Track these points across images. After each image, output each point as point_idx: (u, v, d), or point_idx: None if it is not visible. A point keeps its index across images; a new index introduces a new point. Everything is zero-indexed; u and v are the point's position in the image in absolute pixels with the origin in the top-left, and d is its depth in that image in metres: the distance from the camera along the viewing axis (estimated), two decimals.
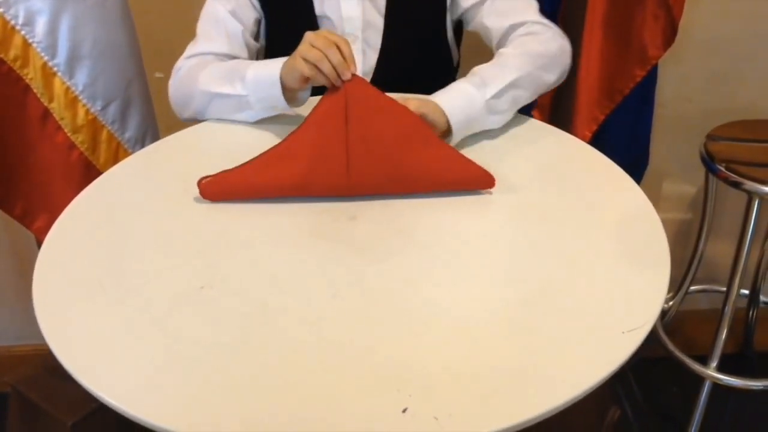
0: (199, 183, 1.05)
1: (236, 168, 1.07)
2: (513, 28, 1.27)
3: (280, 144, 1.08)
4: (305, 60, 1.09)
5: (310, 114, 1.08)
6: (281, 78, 1.15)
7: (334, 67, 1.06)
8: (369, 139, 1.06)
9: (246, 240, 0.99)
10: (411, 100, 1.11)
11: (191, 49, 1.30)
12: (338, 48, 1.07)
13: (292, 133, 1.08)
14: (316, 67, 1.07)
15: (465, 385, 0.77)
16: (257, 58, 1.41)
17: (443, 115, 1.12)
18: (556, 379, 0.77)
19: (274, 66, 1.15)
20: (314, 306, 0.88)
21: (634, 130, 1.60)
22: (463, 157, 1.07)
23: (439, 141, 1.08)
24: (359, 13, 1.31)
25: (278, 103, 1.17)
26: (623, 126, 1.57)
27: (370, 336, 0.83)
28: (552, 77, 1.26)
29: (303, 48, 1.10)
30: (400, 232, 1.01)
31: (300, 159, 1.05)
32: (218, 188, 1.05)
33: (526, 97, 1.22)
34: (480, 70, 1.20)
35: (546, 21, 1.28)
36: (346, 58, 1.06)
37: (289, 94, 1.17)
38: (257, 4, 1.32)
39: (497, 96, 1.17)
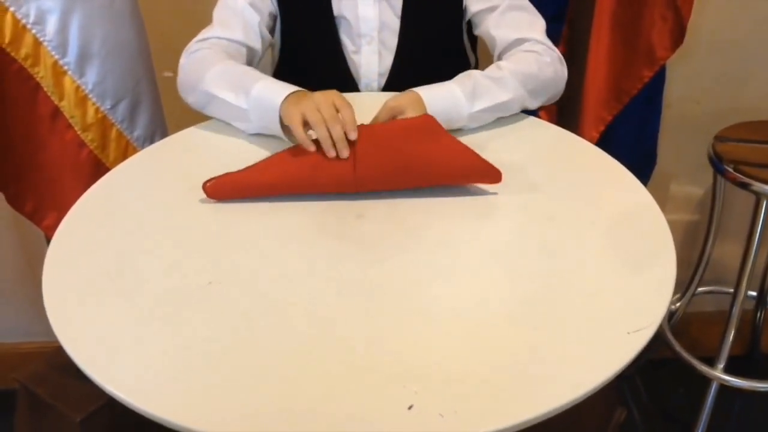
0: (204, 186, 1.05)
1: (241, 170, 1.07)
2: (517, 42, 1.27)
3: (285, 150, 1.09)
4: (303, 117, 1.07)
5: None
6: (281, 109, 1.12)
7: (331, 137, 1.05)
8: (376, 134, 1.06)
9: (253, 237, 1.00)
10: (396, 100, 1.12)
11: (206, 33, 1.29)
12: (341, 112, 1.06)
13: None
14: (308, 125, 1.06)
15: (470, 383, 0.77)
16: (272, 54, 1.42)
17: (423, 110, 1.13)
18: (560, 378, 0.77)
19: (279, 92, 1.12)
20: (320, 303, 0.88)
21: (641, 131, 1.60)
22: (470, 150, 1.06)
23: (446, 134, 1.07)
24: (375, 14, 1.31)
25: (274, 128, 1.14)
26: (631, 127, 1.57)
27: (375, 333, 0.84)
28: (536, 103, 1.26)
29: (308, 105, 1.07)
30: (406, 230, 1.01)
31: (306, 156, 1.06)
32: (224, 188, 1.05)
33: (502, 115, 1.23)
34: (475, 79, 1.20)
35: (549, 43, 1.28)
36: (347, 125, 1.05)
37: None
38: (275, 4, 1.32)
39: (482, 111, 1.19)
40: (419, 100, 1.14)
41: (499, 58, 1.30)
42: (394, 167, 1.05)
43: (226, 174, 1.06)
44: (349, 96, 1.32)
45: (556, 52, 1.28)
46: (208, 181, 1.05)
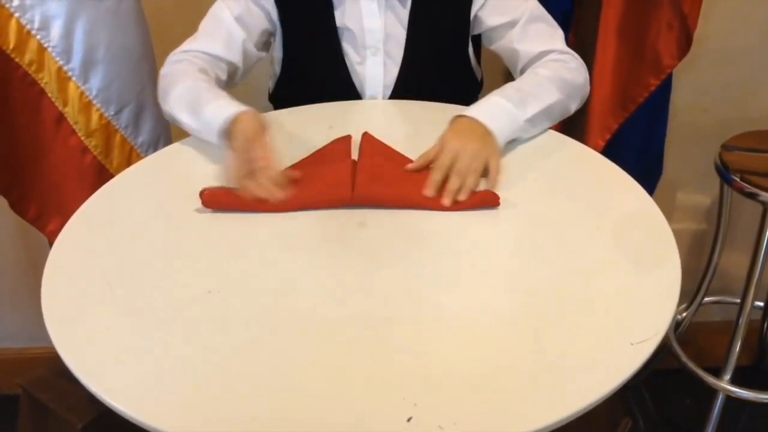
0: (202, 194, 1.04)
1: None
2: (542, 54, 1.28)
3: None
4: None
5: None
6: (231, 128, 1.09)
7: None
8: (375, 163, 1.08)
9: (254, 245, 0.99)
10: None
11: (189, 44, 1.28)
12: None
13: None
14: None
15: (470, 395, 0.76)
16: (272, 66, 1.41)
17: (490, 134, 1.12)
18: (563, 389, 0.77)
19: (222, 114, 1.10)
20: (321, 311, 0.87)
21: (648, 140, 1.59)
22: None
23: None
24: (381, 25, 1.30)
25: (223, 147, 1.12)
26: (637, 135, 1.57)
27: (376, 342, 0.83)
28: (575, 106, 1.27)
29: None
30: (408, 238, 1.01)
31: (303, 175, 1.07)
32: (220, 200, 1.05)
33: (550, 123, 1.23)
34: (518, 88, 1.19)
35: (572, 51, 1.29)
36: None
37: None
38: (275, 18, 1.30)
39: (534, 117, 1.18)
40: (484, 129, 1.12)
41: (522, 72, 1.30)
42: (393, 188, 1.06)
43: (223, 188, 1.06)
44: (353, 103, 1.33)
45: (579, 59, 1.29)
46: (205, 189, 1.05)
